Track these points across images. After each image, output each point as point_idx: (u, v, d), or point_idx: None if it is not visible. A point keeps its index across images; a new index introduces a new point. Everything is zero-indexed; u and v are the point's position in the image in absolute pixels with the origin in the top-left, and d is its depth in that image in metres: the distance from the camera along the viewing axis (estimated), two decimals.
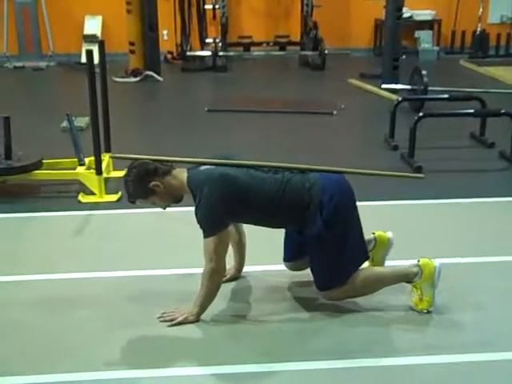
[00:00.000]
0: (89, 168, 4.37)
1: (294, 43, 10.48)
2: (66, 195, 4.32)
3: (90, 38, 10.11)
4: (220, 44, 9.87)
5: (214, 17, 10.40)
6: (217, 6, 10.15)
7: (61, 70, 9.92)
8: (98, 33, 10.23)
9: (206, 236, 2.56)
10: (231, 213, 2.61)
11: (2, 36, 10.13)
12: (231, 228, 2.82)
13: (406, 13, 9.37)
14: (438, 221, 3.89)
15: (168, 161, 2.74)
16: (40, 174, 4.34)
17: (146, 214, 3.74)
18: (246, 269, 3.09)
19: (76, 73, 9.52)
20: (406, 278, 2.75)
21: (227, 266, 2.94)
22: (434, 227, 3.78)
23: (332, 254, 2.66)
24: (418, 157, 4.93)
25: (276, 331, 2.65)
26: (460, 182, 4.61)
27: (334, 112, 6.81)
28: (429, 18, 10.90)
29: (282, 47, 10.45)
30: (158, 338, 2.59)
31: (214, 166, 2.66)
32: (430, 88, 6.53)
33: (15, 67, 9.94)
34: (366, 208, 3.97)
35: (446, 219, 3.92)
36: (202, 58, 9.83)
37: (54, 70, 9.97)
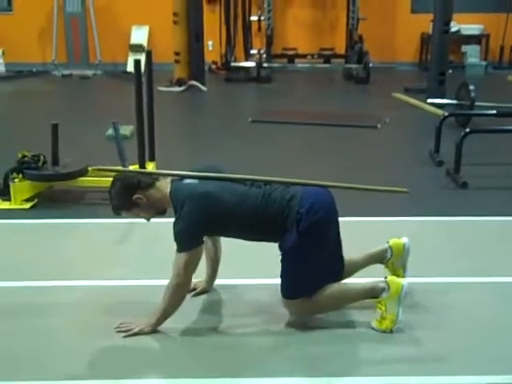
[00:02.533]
0: None
1: (339, 56, 10.47)
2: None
3: (137, 48, 10.28)
4: (264, 55, 9.90)
5: (259, 28, 10.46)
6: (262, 18, 10.21)
7: (107, 79, 10.09)
8: (145, 43, 10.38)
9: (178, 250, 2.56)
10: (210, 229, 2.62)
11: (52, 45, 10.35)
12: (208, 242, 2.84)
13: (454, 27, 9.26)
14: (474, 238, 3.79)
15: (152, 173, 2.75)
16: (85, 180, 4.39)
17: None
18: (217, 282, 3.05)
19: (121, 82, 9.67)
20: (373, 293, 2.69)
21: (198, 279, 2.95)
22: (469, 245, 3.68)
23: (303, 265, 2.61)
24: (463, 173, 4.84)
25: (234, 346, 2.59)
26: (506, 199, 4.50)
27: (378, 126, 6.75)
28: (477, 32, 10.77)
29: (327, 60, 10.44)
30: (114, 349, 2.56)
31: (197, 181, 2.65)
32: (477, 103, 6.43)
33: (63, 75, 10.15)
34: (401, 223, 3.97)
35: (480, 237, 3.82)
36: (247, 68, 9.88)
37: (100, 78, 10.14)
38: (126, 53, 10.46)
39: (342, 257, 2.82)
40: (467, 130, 5.03)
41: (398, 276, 2.84)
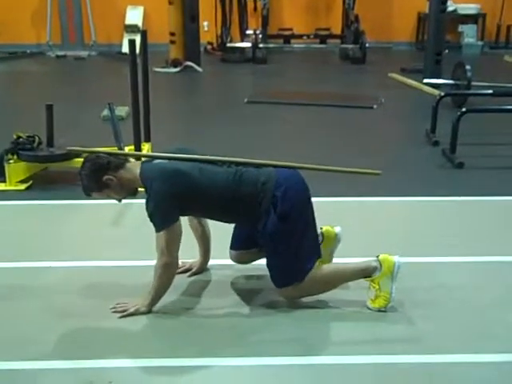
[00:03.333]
0: None
1: (335, 36, 10.43)
2: None
3: (132, 28, 10.21)
4: (260, 36, 9.85)
5: (255, 8, 10.39)
6: None
7: (102, 60, 10.03)
8: (140, 23, 10.31)
9: (156, 230, 2.56)
10: (182, 207, 2.59)
11: (46, 25, 10.27)
12: (193, 221, 2.87)
13: (450, 6, 9.22)
14: (468, 218, 3.80)
15: (123, 154, 2.75)
16: (80, 162, 4.35)
17: None
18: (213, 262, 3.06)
19: (117, 63, 9.61)
20: (365, 272, 2.70)
21: (193, 259, 2.98)
22: (463, 225, 3.69)
23: (289, 251, 2.61)
24: (459, 153, 4.84)
25: (225, 326, 2.60)
26: (502, 179, 4.51)
27: (374, 106, 6.74)
28: (473, 11, 10.72)
29: (323, 40, 10.40)
30: (108, 330, 2.57)
31: (167, 161, 2.65)
32: (473, 83, 6.41)
33: (57, 56, 10.08)
34: (399, 203, 3.97)
35: (477, 216, 3.82)
36: (242, 49, 9.83)
37: (95, 59, 10.08)
38: (121, 33, 10.39)
39: (317, 236, 2.82)
40: (463, 109, 5.02)
41: (324, 262, 2.84)
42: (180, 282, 2.87)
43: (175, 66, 8.74)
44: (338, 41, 10.33)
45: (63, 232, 3.57)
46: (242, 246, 2.89)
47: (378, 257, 2.71)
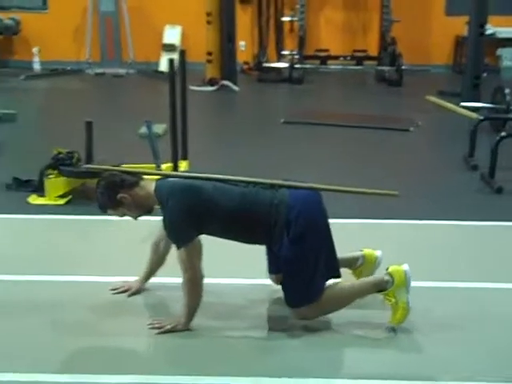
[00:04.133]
0: None
1: (372, 58, 10.39)
2: None
3: (169, 48, 10.33)
4: (297, 56, 9.88)
5: (292, 29, 10.43)
6: (295, 19, 10.17)
7: (139, 78, 10.15)
8: (177, 42, 10.42)
9: (177, 248, 2.60)
10: (197, 224, 2.60)
11: (85, 43, 10.46)
12: (159, 243, 2.89)
13: (489, 29, 9.13)
14: (507, 244, 3.73)
15: (139, 173, 2.79)
16: None
17: None
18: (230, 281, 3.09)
19: (154, 81, 9.72)
20: (379, 287, 2.69)
21: (132, 279, 3.01)
22: (502, 250, 3.62)
23: (302, 272, 2.62)
24: (498, 177, 4.78)
25: (223, 346, 2.61)
26: None
27: (411, 129, 6.69)
28: None
29: (359, 62, 10.37)
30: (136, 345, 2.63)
31: (180, 179, 2.70)
32: None
33: (96, 74, 10.24)
34: (437, 227, 3.91)
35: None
36: (279, 69, 9.87)
37: (133, 77, 10.21)
38: (158, 52, 10.51)
39: (335, 255, 2.80)
40: (503, 134, 4.95)
41: None
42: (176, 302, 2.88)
43: (212, 85, 8.81)
44: (375, 62, 10.30)
45: (96, 247, 3.60)
46: (277, 270, 2.87)
47: (387, 270, 2.70)
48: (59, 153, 4.43)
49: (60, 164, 4.39)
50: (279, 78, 9.67)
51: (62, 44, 10.66)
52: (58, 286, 3.10)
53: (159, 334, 2.64)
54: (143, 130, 5.79)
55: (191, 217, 2.57)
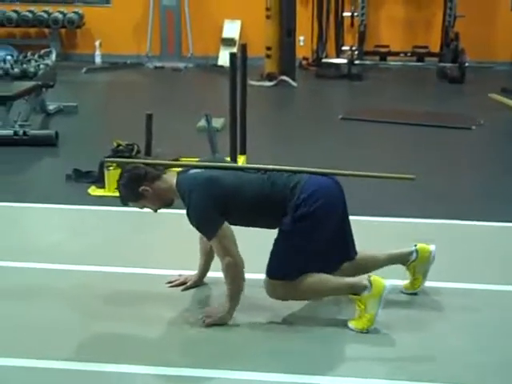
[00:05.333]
0: None
1: (433, 54, 10.18)
2: None
3: (228, 42, 10.36)
4: (356, 52, 9.76)
5: (352, 24, 10.30)
6: (355, 14, 10.05)
7: (198, 72, 10.22)
8: (236, 37, 10.44)
9: (208, 239, 2.64)
10: (222, 212, 2.63)
11: (146, 37, 10.58)
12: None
13: None
14: None
15: (160, 164, 2.81)
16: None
17: None
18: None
19: (212, 75, 9.77)
20: (354, 289, 2.64)
21: (189, 273, 3.01)
22: None
23: (292, 248, 2.63)
24: None
25: (211, 339, 2.60)
26: None
27: (473, 127, 6.52)
28: None
29: (420, 58, 10.19)
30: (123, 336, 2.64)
31: (201, 170, 2.71)
32: None
33: (155, 67, 10.34)
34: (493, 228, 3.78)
35: None
36: (338, 65, 9.77)
37: (192, 71, 10.28)
38: (217, 46, 10.56)
39: (343, 250, 2.79)
40: None
41: (417, 281, 2.88)
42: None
43: (270, 80, 8.78)
44: (436, 59, 10.09)
45: (153, 239, 3.61)
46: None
47: (369, 277, 2.65)
48: (119, 145, 4.48)
49: (119, 156, 4.43)
50: (338, 74, 9.57)
51: (123, 38, 10.81)
52: (112, 277, 3.13)
53: (207, 326, 2.65)
54: (201, 123, 5.82)
55: (216, 206, 2.60)
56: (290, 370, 2.39)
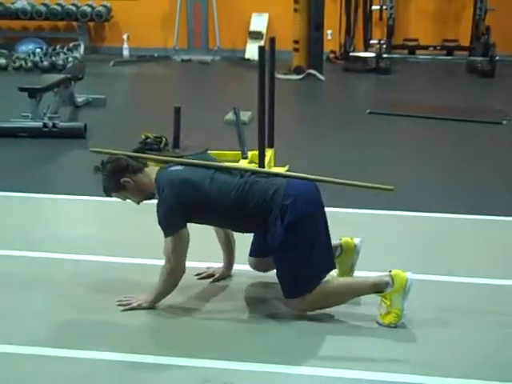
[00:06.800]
0: (251, 162, 4.40)
1: (463, 48, 10.05)
2: None
3: (256, 35, 10.33)
4: (384, 46, 9.67)
5: (381, 18, 10.19)
6: (384, 7, 9.95)
7: (225, 65, 10.21)
8: (264, 30, 10.40)
9: (164, 235, 2.65)
10: (189, 216, 2.66)
11: (173, 30, 10.59)
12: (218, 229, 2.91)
13: None
14: None
15: (144, 158, 2.85)
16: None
17: None
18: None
19: (239, 68, 9.75)
20: (377, 287, 2.64)
21: (218, 265, 3.03)
22: None
23: (297, 262, 2.60)
24: None
25: (211, 328, 2.63)
26: None
27: (504, 122, 6.42)
28: None
29: (450, 52, 10.06)
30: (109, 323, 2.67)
31: (181, 168, 2.72)
32: None
33: (182, 60, 10.36)
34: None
35: None
36: (365, 59, 9.69)
37: (219, 64, 10.27)
38: (244, 39, 10.54)
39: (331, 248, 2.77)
40: None
41: (344, 274, 2.87)
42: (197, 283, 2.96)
43: (298, 74, 8.73)
44: (466, 53, 9.96)
45: None
46: (260, 254, 2.89)
47: (390, 272, 2.63)
48: (147, 137, 4.49)
49: (147, 148, 4.44)
50: (366, 68, 9.49)
51: (151, 31, 10.83)
52: (140, 269, 3.14)
53: (124, 311, 2.72)
54: (229, 116, 5.81)
55: (183, 210, 2.63)
56: (286, 362, 2.40)
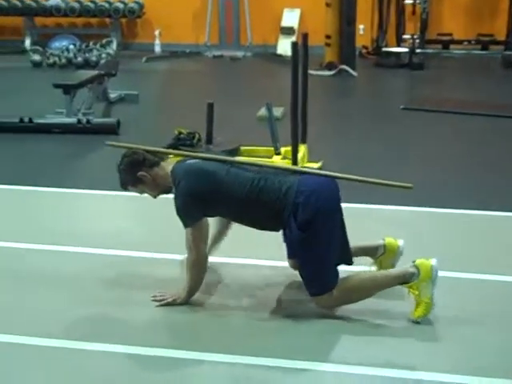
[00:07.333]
0: (284, 158, 4.39)
1: (498, 42, 9.89)
2: None
3: (287, 31, 10.30)
4: (418, 41, 9.56)
5: (414, 12, 10.08)
6: (417, 1, 9.83)
7: (256, 61, 10.19)
8: (295, 25, 10.36)
9: (184, 226, 2.66)
10: (206, 207, 2.66)
11: (205, 26, 10.60)
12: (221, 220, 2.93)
13: None
14: None
15: (161, 152, 2.87)
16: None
17: None
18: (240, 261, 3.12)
19: (271, 64, 9.73)
20: (403, 279, 2.62)
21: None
22: None
23: (315, 260, 2.60)
24: None
25: (228, 323, 2.64)
26: None
27: None
28: None
29: (485, 46, 9.92)
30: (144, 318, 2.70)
31: (197, 161, 2.73)
32: None
33: (214, 56, 10.37)
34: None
35: None
36: (398, 54, 9.58)
37: (250, 60, 10.26)
38: (276, 35, 10.50)
39: (348, 243, 2.77)
40: None
41: None
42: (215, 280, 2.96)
43: (330, 69, 8.68)
44: (502, 47, 9.80)
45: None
46: (293, 255, 2.84)
47: (414, 262, 2.61)
48: (180, 133, 4.50)
49: (180, 144, 4.46)
50: (398, 63, 9.38)
51: (183, 27, 10.87)
52: (171, 264, 3.14)
53: (159, 306, 2.74)
54: (261, 112, 5.80)
55: (198, 200, 2.63)
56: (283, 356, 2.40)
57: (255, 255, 3.17)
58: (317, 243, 2.58)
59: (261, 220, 2.71)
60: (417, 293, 2.59)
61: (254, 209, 2.66)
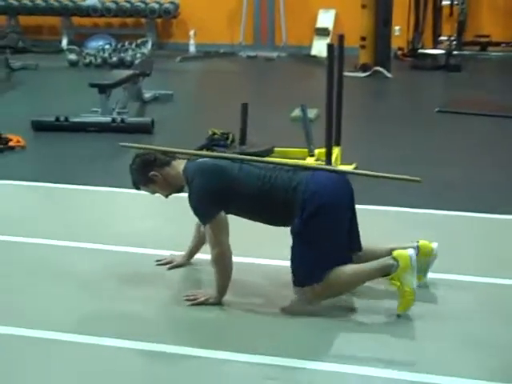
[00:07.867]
0: (318, 159, 4.36)
1: None
2: None
3: (322, 32, 10.25)
4: (455, 42, 9.44)
5: (451, 13, 9.96)
6: (455, 3, 9.71)
7: (291, 61, 10.16)
8: (330, 27, 10.31)
9: (203, 224, 2.70)
10: (219, 203, 2.67)
11: (239, 27, 10.61)
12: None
13: None
14: None
15: (173, 152, 2.85)
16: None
17: None
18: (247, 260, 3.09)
19: (305, 65, 9.69)
20: (384, 271, 2.64)
21: (178, 253, 3.09)
22: None
23: (309, 251, 2.62)
24: None
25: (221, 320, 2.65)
26: None
27: None
28: None
29: None
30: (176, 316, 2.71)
31: (209, 159, 2.77)
32: None
33: (248, 56, 10.37)
34: None
35: None
36: (434, 56, 9.48)
37: (284, 60, 10.24)
38: (311, 36, 10.46)
39: (355, 244, 2.78)
40: None
41: (418, 279, 2.74)
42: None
43: (364, 71, 8.61)
44: None
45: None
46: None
47: (392, 254, 2.63)
48: (214, 133, 4.50)
49: (214, 144, 4.46)
50: (435, 65, 9.28)
51: (217, 27, 10.89)
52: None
53: (191, 305, 2.73)
54: (295, 113, 5.78)
55: (214, 195, 2.66)
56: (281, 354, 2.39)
57: (263, 254, 3.18)
58: (315, 236, 2.61)
59: (272, 216, 2.74)
60: (398, 284, 2.61)
61: (265, 205, 2.69)
